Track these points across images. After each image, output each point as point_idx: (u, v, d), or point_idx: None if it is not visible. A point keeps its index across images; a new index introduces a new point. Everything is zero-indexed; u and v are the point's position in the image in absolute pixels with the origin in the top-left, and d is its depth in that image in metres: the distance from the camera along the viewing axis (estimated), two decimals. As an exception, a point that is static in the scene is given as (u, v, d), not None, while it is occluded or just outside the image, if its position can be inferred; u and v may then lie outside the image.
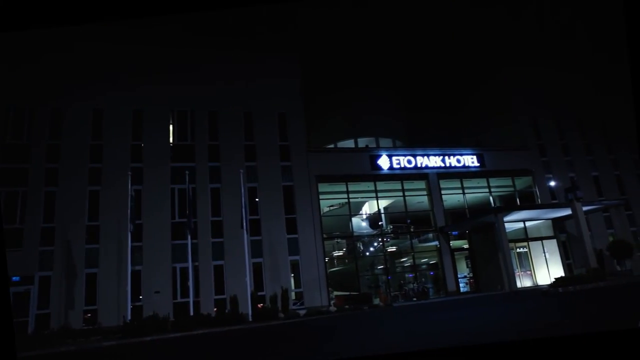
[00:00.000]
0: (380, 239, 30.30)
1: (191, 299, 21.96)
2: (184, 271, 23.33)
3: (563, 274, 27.09)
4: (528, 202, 31.95)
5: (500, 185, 33.01)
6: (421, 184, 30.56)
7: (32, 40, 21.67)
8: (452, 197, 31.37)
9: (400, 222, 31.22)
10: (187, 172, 23.62)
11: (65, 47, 23.68)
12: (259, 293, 23.96)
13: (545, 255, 29.10)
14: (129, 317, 19.79)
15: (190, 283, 22.47)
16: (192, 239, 22.97)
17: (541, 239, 29.69)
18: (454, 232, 30.38)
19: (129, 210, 21.38)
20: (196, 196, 24.89)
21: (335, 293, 27.46)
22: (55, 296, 22.11)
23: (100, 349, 16.45)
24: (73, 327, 20.33)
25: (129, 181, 21.94)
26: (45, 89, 24.07)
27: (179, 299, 23.46)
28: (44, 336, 18.51)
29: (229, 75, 27.51)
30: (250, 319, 20.98)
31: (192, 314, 21.34)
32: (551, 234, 30.12)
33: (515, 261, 28.28)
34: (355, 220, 30.57)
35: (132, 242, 21.43)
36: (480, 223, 28.42)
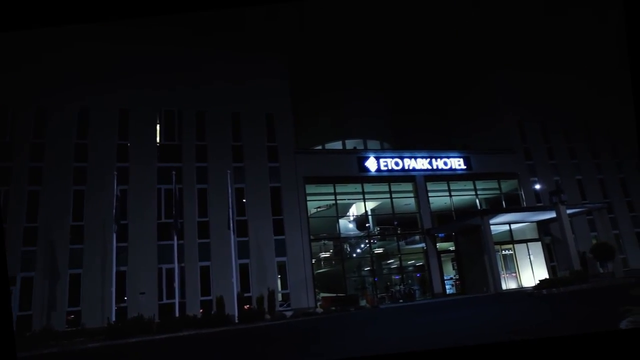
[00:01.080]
0: (367, 241, 30.35)
1: (177, 300, 21.78)
2: (170, 272, 23.12)
3: (547, 276, 27.42)
4: (513, 204, 32.27)
5: (486, 188, 33.30)
6: (408, 186, 30.70)
7: (18, 40, 21.34)
8: (438, 199, 31.57)
9: (387, 224, 31.30)
10: (173, 172, 23.42)
11: (51, 46, 23.37)
12: (246, 294, 23.85)
13: (530, 258, 29.40)
14: (114, 319, 19.56)
15: (176, 284, 22.29)
16: (178, 239, 22.80)
17: (526, 241, 30.01)
18: (440, 234, 30.56)
19: (114, 210, 21.15)
20: (183, 196, 24.70)
21: (322, 294, 27.43)
22: (37, 297, 21.75)
23: (84, 351, 16.23)
24: (56, 329, 20.00)
25: (115, 181, 21.71)
26: (29, 88, 23.71)
27: (165, 300, 23.23)
28: (26, 338, 18.19)
29: (216, 75, 27.37)
30: (237, 320, 20.87)
31: (177, 315, 21.16)
32: (536, 236, 30.45)
33: (500, 263, 28.52)
34: (342, 221, 30.58)
35: (117, 242, 21.19)
36: (467, 225, 28.63)
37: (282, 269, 26.11)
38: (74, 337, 18.51)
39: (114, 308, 20.21)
